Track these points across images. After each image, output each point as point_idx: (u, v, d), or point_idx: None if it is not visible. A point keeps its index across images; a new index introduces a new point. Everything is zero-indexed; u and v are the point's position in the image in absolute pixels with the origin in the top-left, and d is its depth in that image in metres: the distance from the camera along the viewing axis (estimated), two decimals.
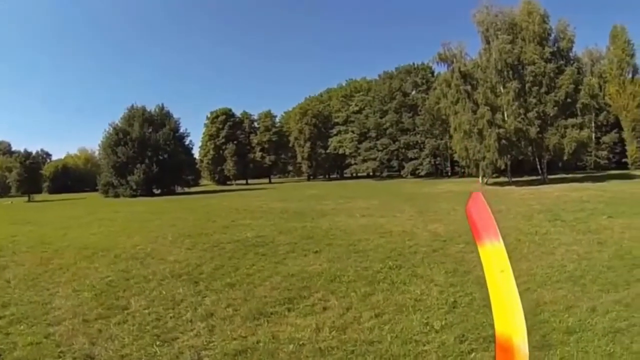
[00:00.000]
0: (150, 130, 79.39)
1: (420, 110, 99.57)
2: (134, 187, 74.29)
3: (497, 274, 2.74)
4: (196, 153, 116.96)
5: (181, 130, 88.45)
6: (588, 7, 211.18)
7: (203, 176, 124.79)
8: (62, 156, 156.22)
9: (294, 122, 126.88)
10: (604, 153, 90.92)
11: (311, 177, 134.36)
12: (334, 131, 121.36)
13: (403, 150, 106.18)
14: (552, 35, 61.86)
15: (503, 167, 62.58)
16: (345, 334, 8.31)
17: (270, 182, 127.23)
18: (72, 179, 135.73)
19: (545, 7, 61.38)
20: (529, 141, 59.84)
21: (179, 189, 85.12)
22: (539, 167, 66.59)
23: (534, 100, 58.99)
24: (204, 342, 8.26)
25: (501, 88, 60.45)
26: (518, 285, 8.69)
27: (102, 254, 17.21)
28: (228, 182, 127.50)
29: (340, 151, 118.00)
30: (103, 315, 9.89)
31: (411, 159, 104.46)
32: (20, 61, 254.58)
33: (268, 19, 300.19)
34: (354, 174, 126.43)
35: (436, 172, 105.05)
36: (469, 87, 60.91)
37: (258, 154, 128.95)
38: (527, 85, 59.30)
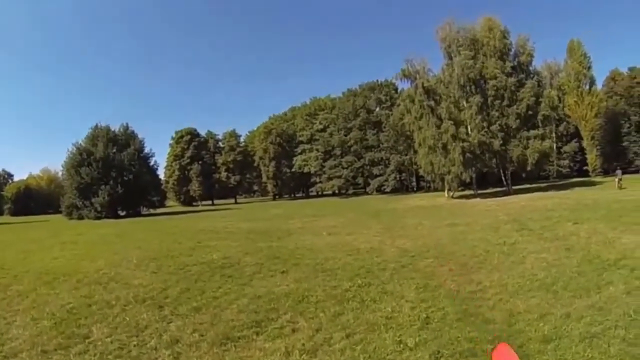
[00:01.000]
0: (114, 150, 77.72)
1: (385, 127, 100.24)
2: (99, 208, 72.12)
3: None
4: (161, 174, 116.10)
5: (146, 151, 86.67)
6: (546, 23, 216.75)
7: (169, 197, 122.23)
8: (25, 177, 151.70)
9: (258, 142, 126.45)
10: (566, 162, 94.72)
11: (277, 197, 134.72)
12: (299, 150, 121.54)
13: (368, 167, 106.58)
14: (513, 50, 63.20)
15: (468, 180, 63.10)
16: (316, 356, 8.14)
17: (236, 202, 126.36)
18: (35, 200, 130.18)
19: (505, 24, 63.00)
20: (493, 153, 60.67)
21: (144, 211, 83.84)
22: (503, 178, 67.37)
23: (497, 114, 59.91)
24: None
25: (464, 102, 61.16)
26: (490, 297, 8.73)
27: (63, 279, 16.51)
28: (194, 203, 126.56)
29: (305, 170, 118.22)
30: (63, 345, 9.41)
31: (376, 176, 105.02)
32: None
33: (232, 38, 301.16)
34: (320, 193, 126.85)
35: (402, 188, 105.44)
36: (432, 103, 61.34)
37: (223, 174, 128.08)
38: (490, 99, 60.23)
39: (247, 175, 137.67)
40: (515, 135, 59.89)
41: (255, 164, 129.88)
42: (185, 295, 13.25)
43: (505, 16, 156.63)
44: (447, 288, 12.15)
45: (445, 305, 10.54)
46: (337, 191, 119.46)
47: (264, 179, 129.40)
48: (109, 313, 11.59)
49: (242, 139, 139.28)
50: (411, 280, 13.37)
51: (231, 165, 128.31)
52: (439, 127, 59.48)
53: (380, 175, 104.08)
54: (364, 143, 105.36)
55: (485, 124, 58.86)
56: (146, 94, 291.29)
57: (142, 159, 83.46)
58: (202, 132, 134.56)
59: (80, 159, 74.57)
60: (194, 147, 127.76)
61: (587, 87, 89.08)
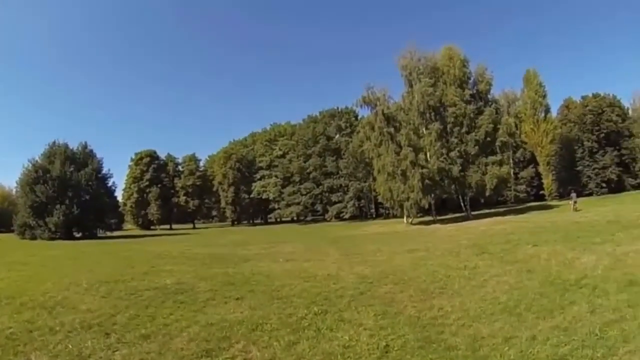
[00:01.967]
0: (71, 169, 74.50)
1: (344, 154, 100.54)
2: (53, 229, 68.98)
3: None
4: (119, 195, 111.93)
5: (104, 171, 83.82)
6: (504, 52, 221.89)
7: (126, 220, 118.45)
8: None
9: (217, 167, 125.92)
10: (523, 187, 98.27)
11: (235, 222, 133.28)
12: (258, 176, 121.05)
13: (327, 194, 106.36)
14: (472, 78, 64.37)
15: (427, 206, 63.42)
16: None
17: (194, 227, 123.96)
18: None
19: (466, 52, 64.18)
20: (452, 180, 61.21)
21: (100, 233, 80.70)
22: (462, 204, 68.02)
23: (456, 140, 60.58)
24: None
25: (424, 129, 61.79)
26: (452, 322, 8.71)
27: (6, 302, 15.43)
28: (152, 227, 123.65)
29: (264, 196, 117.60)
30: None
31: (335, 203, 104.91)
32: None
33: (195, 61, 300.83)
34: (278, 219, 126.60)
35: (361, 215, 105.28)
36: (392, 129, 61.80)
37: (182, 198, 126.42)
38: (449, 126, 60.98)
39: (206, 200, 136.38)
40: (474, 162, 60.61)
41: (214, 189, 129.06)
42: (134, 321, 12.58)
43: (466, 45, 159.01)
44: (407, 314, 11.97)
45: (405, 332, 10.35)
46: (295, 218, 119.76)
47: (223, 204, 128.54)
48: (50, 340, 10.86)
49: (201, 164, 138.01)
50: (370, 307, 13.03)
51: (190, 190, 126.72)
52: (398, 153, 59.87)
53: (339, 202, 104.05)
54: (323, 170, 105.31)
55: (444, 151, 59.48)
56: (105, 113, 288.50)
57: (100, 180, 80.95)
58: (162, 155, 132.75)
59: (36, 177, 71.64)
60: (153, 169, 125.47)
61: (543, 114, 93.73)
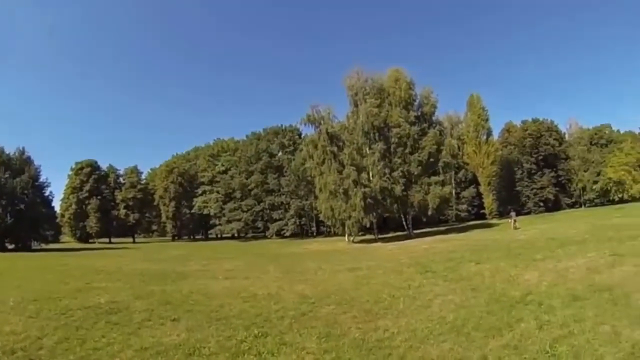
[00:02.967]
0: (6, 175, 71.46)
1: (286, 171, 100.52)
2: None
3: None
4: (57, 206, 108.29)
5: (41, 179, 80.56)
6: (448, 77, 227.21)
7: (64, 232, 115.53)
8: None
9: (159, 180, 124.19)
10: (464, 206, 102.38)
11: (176, 238, 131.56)
12: (200, 191, 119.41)
13: (268, 211, 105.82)
14: (417, 100, 65.18)
15: (369, 225, 63.18)
16: None
17: (134, 242, 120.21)
18: None
19: (412, 76, 64.79)
20: (395, 199, 61.36)
21: (35, 245, 76.91)
22: (404, 223, 68.18)
23: (399, 160, 60.94)
24: None
25: (367, 149, 61.97)
26: (399, 344, 8.45)
27: None
28: (90, 240, 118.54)
29: (205, 211, 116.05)
30: None
31: (276, 220, 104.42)
32: None
33: (141, 70, 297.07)
34: (219, 235, 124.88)
35: (302, 233, 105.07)
36: (335, 149, 62.03)
37: (122, 211, 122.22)
38: (393, 146, 61.32)
39: (147, 214, 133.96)
40: (416, 181, 61.15)
41: (155, 203, 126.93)
42: (62, 345, 11.62)
43: (413, 68, 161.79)
44: (351, 337, 11.52)
45: (351, 356, 9.96)
46: (236, 234, 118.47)
47: (164, 218, 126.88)
48: None
49: (143, 176, 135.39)
50: (312, 329, 12.52)
51: (131, 203, 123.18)
52: (340, 172, 60.00)
53: (280, 219, 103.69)
54: (265, 187, 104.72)
55: (387, 170, 59.70)
56: (46, 121, 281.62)
57: (37, 188, 77.76)
58: (104, 166, 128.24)
59: None
60: (93, 180, 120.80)
61: (485, 137, 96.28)
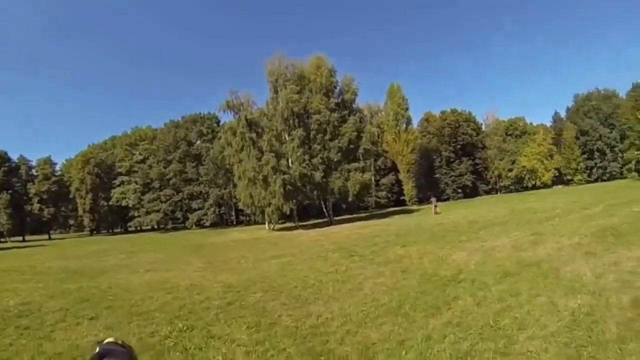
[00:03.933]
0: None
1: (205, 160, 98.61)
2: None
3: None
4: None
5: None
6: (370, 68, 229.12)
7: None
8: None
9: (75, 171, 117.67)
10: (384, 193, 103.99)
11: (94, 232, 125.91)
12: (117, 182, 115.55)
13: (187, 201, 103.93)
14: (338, 87, 65.00)
15: (289, 212, 62.74)
16: None
17: (50, 239, 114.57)
18: None
19: (333, 63, 64.49)
20: (314, 185, 60.82)
21: None
22: (324, 209, 68.14)
23: (319, 147, 60.55)
24: None
25: (286, 136, 61.22)
26: (336, 329, 7.59)
27: None
28: (1, 240, 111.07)
29: (124, 203, 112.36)
30: None
31: (195, 210, 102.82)
32: None
33: (55, 55, 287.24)
34: (139, 227, 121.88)
35: (222, 222, 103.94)
36: (254, 135, 60.80)
37: (36, 206, 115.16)
38: (312, 133, 60.87)
39: (62, 208, 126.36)
40: (336, 168, 60.90)
41: (71, 196, 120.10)
42: None
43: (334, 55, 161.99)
44: (283, 325, 10.96)
45: (285, 345, 9.34)
46: (156, 226, 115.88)
47: (80, 212, 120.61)
48: None
49: (57, 168, 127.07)
50: (241, 320, 11.81)
51: (45, 197, 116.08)
52: (259, 159, 59.02)
53: (200, 209, 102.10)
54: (184, 176, 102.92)
55: (307, 157, 59.13)
56: None
57: None
58: (14, 157, 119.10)
59: None
60: (3, 173, 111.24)
61: (404, 126, 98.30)
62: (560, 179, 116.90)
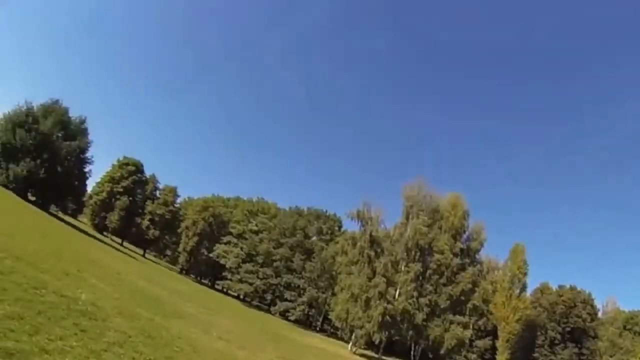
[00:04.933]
0: (60, 134, 70.81)
1: (314, 257, 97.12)
2: (11, 178, 64.02)
3: None
4: (89, 186, 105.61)
5: (88, 154, 78.78)
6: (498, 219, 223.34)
7: (84, 212, 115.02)
8: None
9: (192, 212, 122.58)
10: (474, 356, 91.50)
11: (183, 272, 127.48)
12: (225, 240, 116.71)
13: (282, 289, 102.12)
14: (467, 233, 62.67)
15: (378, 341, 59.27)
16: None
17: (144, 256, 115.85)
18: None
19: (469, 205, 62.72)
20: (412, 325, 58.27)
21: (53, 210, 75.60)
22: (412, 352, 64.47)
23: (431, 288, 58.48)
24: None
25: (403, 266, 59.09)
26: None
27: None
28: (104, 233, 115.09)
29: (222, 261, 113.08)
30: None
31: (286, 300, 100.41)
32: None
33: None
34: (225, 289, 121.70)
35: (306, 322, 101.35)
36: (373, 253, 59.10)
37: (145, 222, 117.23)
38: (429, 272, 59.04)
39: (166, 237, 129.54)
40: (439, 315, 58.43)
41: (179, 231, 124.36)
42: (5, 324, 8.97)
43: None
44: None
45: None
46: (242, 296, 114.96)
47: (180, 248, 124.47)
48: None
49: (178, 201, 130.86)
50: None
51: (157, 219, 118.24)
52: (370, 279, 57.10)
53: (291, 301, 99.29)
54: (288, 264, 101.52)
55: (415, 294, 57.01)
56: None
57: (80, 160, 76.55)
58: (147, 173, 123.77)
59: (24, 120, 67.06)
60: (132, 181, 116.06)
61: (518, 291, 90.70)
62: None
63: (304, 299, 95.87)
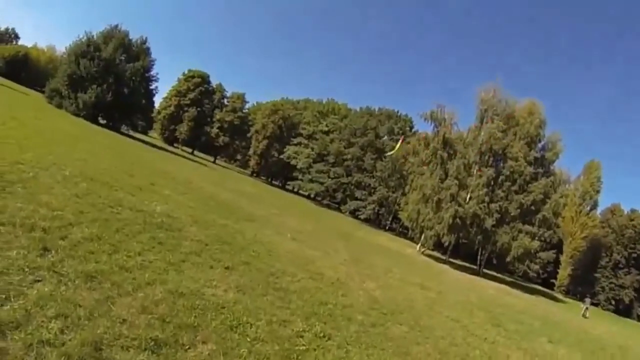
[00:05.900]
0: (122, 57, 72.52)
1: (385, 157, 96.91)
2: (80, 106, 66.29)
3: None
4: (156, 102, 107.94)
5: (152, 72, 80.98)
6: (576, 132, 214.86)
7: (154, 128, 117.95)
8: (29, 44, 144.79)
9: (261, 116, 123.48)
10: (536, 267, 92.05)
11: (254, 175, 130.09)
12: (295, 141, 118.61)
13: (352, 187, 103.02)
14: (542, 142, 61.31)
15: (447, 244, 60.53)
16: None
17: (214, 162, 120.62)
18: (27, 71, 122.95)
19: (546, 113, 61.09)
20: (481, 230, 58.13)
21: (124, 129, 78.19)
22: (478, 257, 65.22)
23: (502, 194, 57.76)
24: None
25: (475, 170, 58.81)
26: None
27: None
28: (175, 145, 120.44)
29: (293, 162, 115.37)
30: None
31: (357, 199, 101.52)
32: None
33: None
34: (296, 189, 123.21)
35: (375, 221, 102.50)
36: (445, 155, 59.46)
37: (214, 131, 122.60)
38: (501, 178, 58.17)
39: (236, 142, 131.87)
40: (509, 223, 57.73)
41: (249, 135, 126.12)
42: (89, 245, 9.26)
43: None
44: None
45: None
46: (312, 195, 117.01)
47: (251, 152, 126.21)
48: None
49: (247, 106, 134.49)
50: (382, 353, 9.83)
51: (226, 126, 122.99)
52: (442, 181, 57.70)
53: (361, 200, 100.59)
54: (359, 163, 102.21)
55: (486, 199, 56.52)
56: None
57: (145, 79, 78.59)
58: (213, 82, 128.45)
59: (85, 50, 69.11)
60: (199, 92, 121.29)
61: (588, 208, 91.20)
62: None
63: (374, 197, 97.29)
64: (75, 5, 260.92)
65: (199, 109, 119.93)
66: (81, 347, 5.59)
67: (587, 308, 51.19)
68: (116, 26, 75.81)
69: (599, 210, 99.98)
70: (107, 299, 7.22)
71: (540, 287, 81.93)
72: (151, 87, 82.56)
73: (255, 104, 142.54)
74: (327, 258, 21.60)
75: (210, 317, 8.00)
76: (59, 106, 66.96)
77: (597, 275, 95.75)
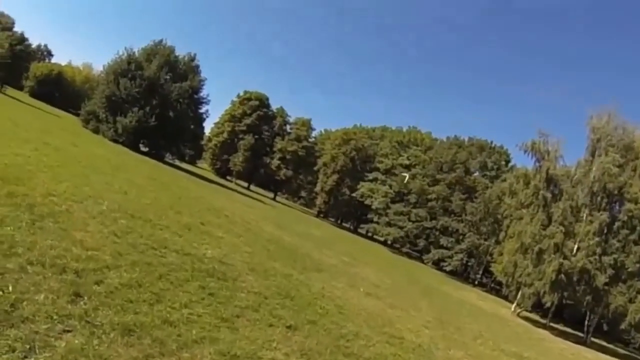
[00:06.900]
0: (167, 77, 72.55)
1: (477, 198, 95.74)
2: (120, 130, 66.53)
3: None
4: (207, 128, 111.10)
5: (202, 94, 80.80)
6: None
7: (203, 157, 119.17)
8: (63, 63, 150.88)
9: (330, 146, 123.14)
10: None
11: (321, 215, 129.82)
12: (370, 177, 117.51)
13: (437, 233, 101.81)
14: None
15: (548, 305, 57.66)
16: None
17: (274, 199, 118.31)
18: (61, 91, 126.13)
19: None
20: (590, 289, 55.92)
21: (169, 158, 78.42)
22: (586, 322, 62.35)
23: (617, 245, 55.56)
24: None
25: (585, 214, 56.78)
26: None
27: None
28: (228, 177, 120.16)
29: (367, 202, 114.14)
30: None
31: (442, 247, 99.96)
32: None
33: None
34: (370, 233, 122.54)
35: (463, 274, 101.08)
36: (549, 195, 57.66)
37: (275, 162, 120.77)
38: (617, 224, 55.94)
39: (301, 177, 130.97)
40: (626, 281, 55.42)
41: (316, 168, 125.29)
42: (127, 292, 9.15)
43: None
44: None
45: None
46: (389, 241, 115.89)
47: (318, 188, 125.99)
48: None
49: (313, 134, 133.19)
50: None
51: (288, 157, 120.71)
52: (544, 227, 55.74)
53: (447, 248, 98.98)
54: (446, 205, 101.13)
55: (598, 250, 54.41)
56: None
57: (193, 101, 78.33)
58: (273, 107, 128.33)
59: (126, 69, 69.71)
60: (257, 116, 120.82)
61: None
62: None
63: (463, 246, 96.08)
64: (120, 20, 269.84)
65: (256, 136, 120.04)
66: None
67: None
68: (160, 41, 76.63)
69: None
70: (147, 357, 7.12)
71: None
72: (201, 111, 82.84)
73: (323, 132, 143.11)
74: (408, 318, 21.17)
75: None
76: (96, 131, 67.98)
77: None
